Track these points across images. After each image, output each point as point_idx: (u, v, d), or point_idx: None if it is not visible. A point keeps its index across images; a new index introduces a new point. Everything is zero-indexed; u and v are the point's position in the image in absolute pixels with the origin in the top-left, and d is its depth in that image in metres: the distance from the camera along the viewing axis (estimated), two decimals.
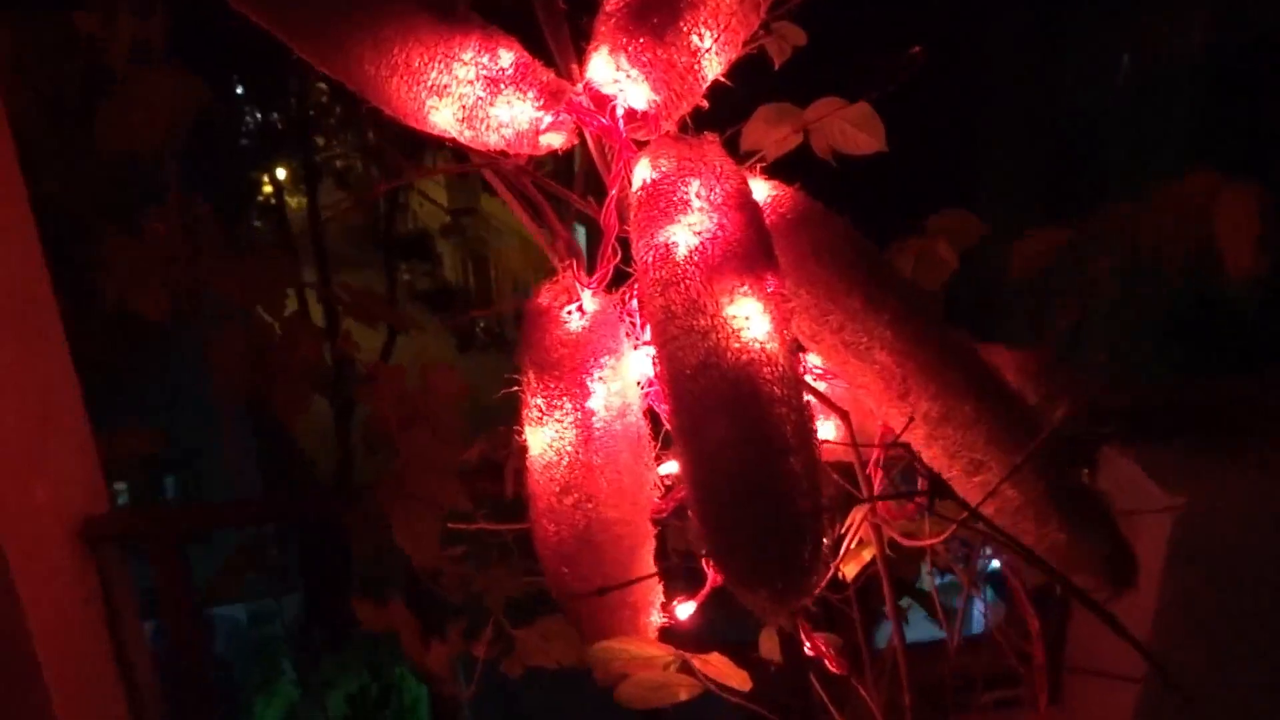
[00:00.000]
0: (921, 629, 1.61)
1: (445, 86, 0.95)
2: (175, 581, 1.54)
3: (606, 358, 0.97)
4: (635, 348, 1.00)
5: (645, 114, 1.00)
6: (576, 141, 1.01)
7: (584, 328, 0.97)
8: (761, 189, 0.99)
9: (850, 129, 1.11)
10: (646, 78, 0.97)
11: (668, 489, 1.02)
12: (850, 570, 1.11)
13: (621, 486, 0.97)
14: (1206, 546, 1.45)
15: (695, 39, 0.98)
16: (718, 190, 0.89)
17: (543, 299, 0.99)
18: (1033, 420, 0.93)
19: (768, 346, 0.82)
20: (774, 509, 0.78)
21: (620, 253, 0.98)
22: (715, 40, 1.00)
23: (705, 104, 1.03)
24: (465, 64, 0.95)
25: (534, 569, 1.09)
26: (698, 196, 0.88)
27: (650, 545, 1.01)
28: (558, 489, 0.97)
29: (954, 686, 1.35)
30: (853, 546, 1.09)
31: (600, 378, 0.96)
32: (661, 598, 1.05)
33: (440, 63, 0.95)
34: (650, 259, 0.87)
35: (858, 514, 1.07)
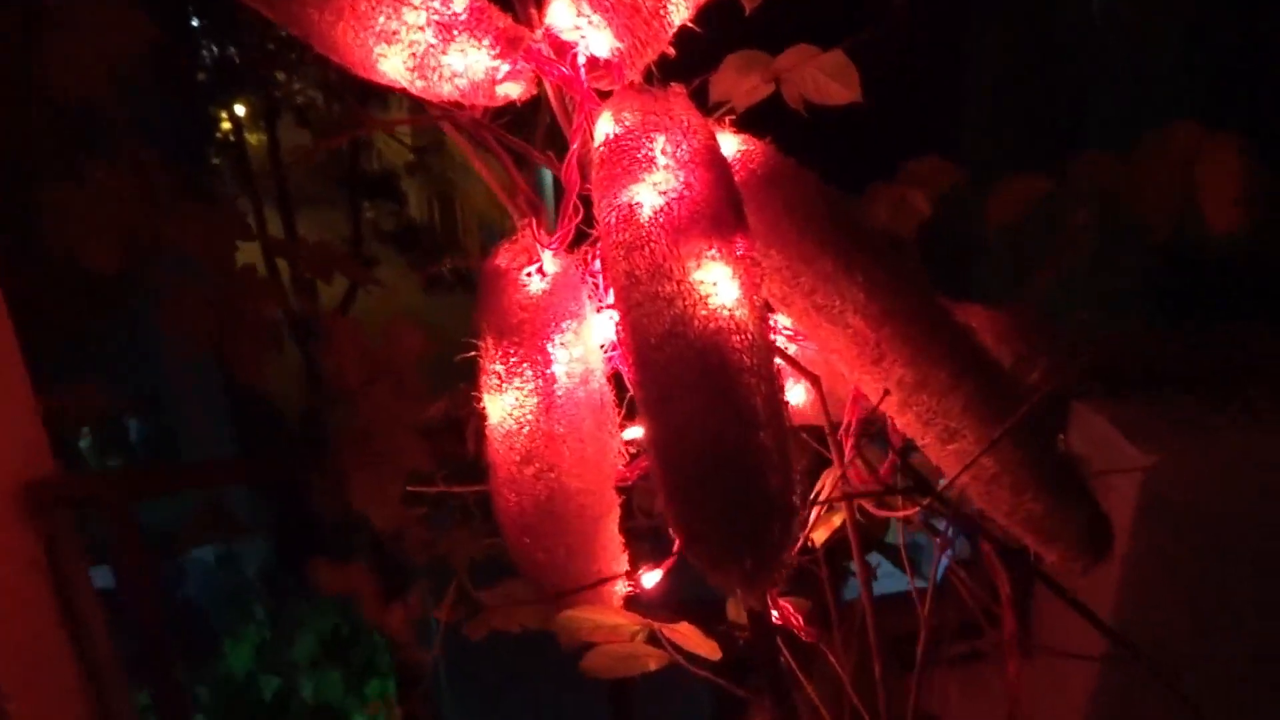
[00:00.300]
0: (888, 581, 1.60)
1: (394, 33, 0.89)
2: (128, 549, 1.50)
3: (568, 321, 0.93)
4: (598, 310, 0.95)
5: (608, 62, 0.94)
6: (536, 92, 0.96)
7: (544, 290, 0.92)
8: (730, 143, 0.94)
9: (823, 78, 1.06)
10: (609, 23, 0.92)
11: (633, 456, 0.98)
12: (820, 536, 1.08)
13: (585, 455, 0.94)
14: (1178, 504, 1.44)
15: None
16: (684, 146, 0.84)
17: (500, 260, 0.94)
18: (1010, 387, 0.90)
19: (737, 313, 0.78)
20: (744, 485, 0.74)
21: (582, 211, 0.94)
22: None
23: (672, 51, 0.97)
24: (415, 9, 0.89)
25: (496, 531, 1.05)
26: (663, 153, 0.83)
27: (615, 513, 0.98)
28: (518, 458, 0.93)
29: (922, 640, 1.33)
30: (823, 513, 1.06)
31: (562, 343, 0.92)
32: (627, 565, 1.02)
33: (388, 7, 0.89)
34: (613, 220, 0.82)
35: (828, 479, 1.04)
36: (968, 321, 1.16)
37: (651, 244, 0.80)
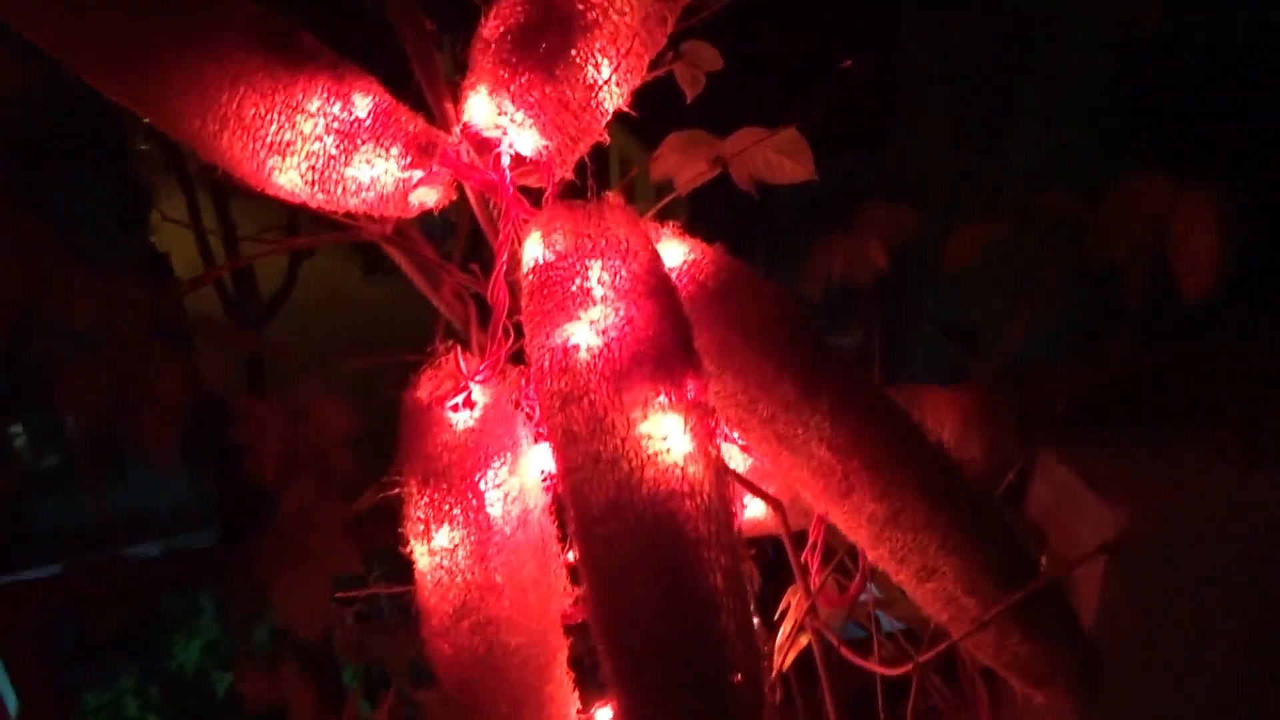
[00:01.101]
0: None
1: (288, 144, 0.78)
2: (29, 669, 1.38)
3: (502, 457, 0.83)
4: (536, 440, 0.85)
5: (536, 161, 0.84)
6: (454, 197, 0.85)
7: (473, 426, 0.82)
8: (676, 251, 0.84)
9: (776, 157, 0.96)
10: (535, 121, 0.82)
11: (580, 598, 0.89)
12: (787, 660, 1.00)
13: (526, 604, 0.84)
14: (1147, 557, 1.38)
15: (591, 71, 0.83)
16: (623, 273, 0.74)
17: (422, 391, 0.84)
18: (992, 517, 0.82)
19: (690, 471, 0.69)
20: (704, 680, 0.66)
21: (514, 335, 0.83)
22: (615, 69, 0.84)
23: (606, 139, 0.87)
24: (311, 115, 0.78)
25: None
26: (600, 283, 0.74)
27: (562, 655, 0.89)
28: (451, 610, 0.84)
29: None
30: (789, 635, 0.98)
31: (495, 482, 0.82)
32: (578, 705, 0.94)
33: (280, 115, 0.77)
34: (546, 364, 0.72)
35: (792, 599, 0.96)
36: (931, 404, 1.08)
37: (590, 394, 0.70)
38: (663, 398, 0.71)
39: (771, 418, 0.81)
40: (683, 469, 0.69)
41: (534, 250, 0.76)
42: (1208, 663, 1.44)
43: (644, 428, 0.70)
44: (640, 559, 0.67)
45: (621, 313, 0.73)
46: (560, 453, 0.71)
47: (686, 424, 0.71)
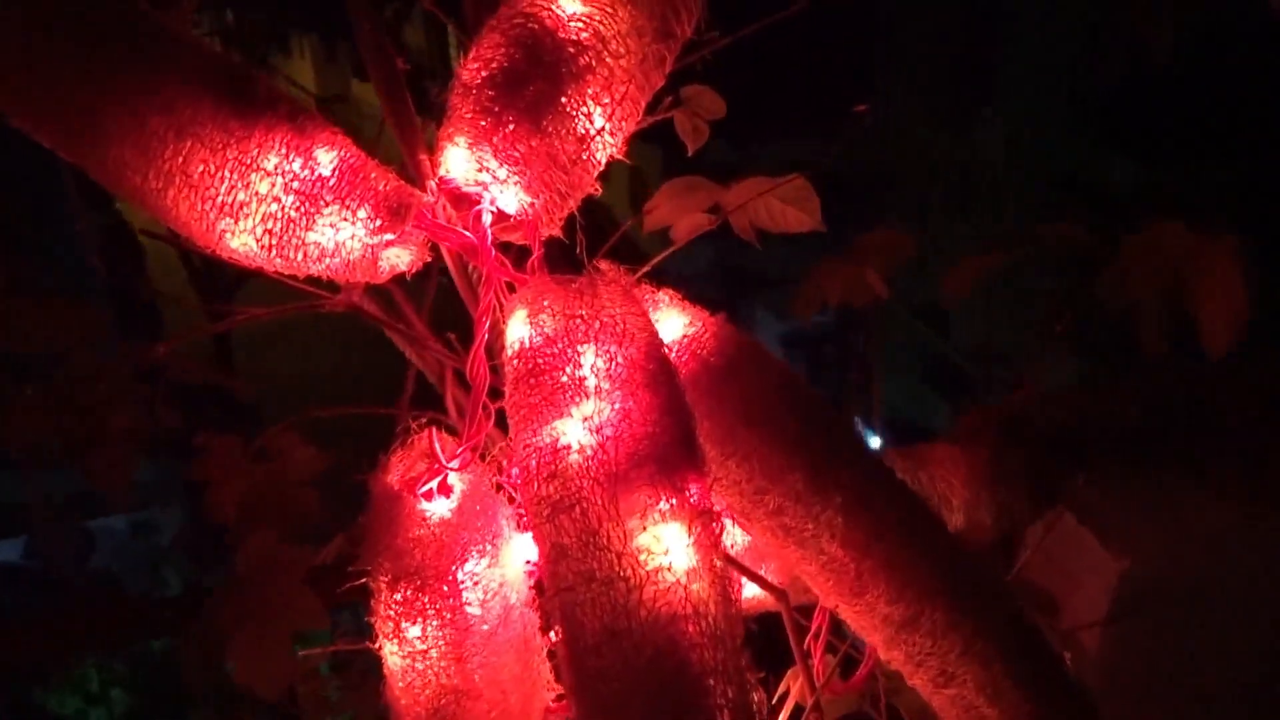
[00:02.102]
0: None
1: (242, 205, 0.69)
2: None
3: (481, 548, 0.75)
4: (520, 529, 0.78)
5: (520, 219, 0.76)
6: (429, 258, 0.77)
7: (449, 517, 0.74)
8: (675, 324, 0.76)
9: (780, 206, 0.88)
10: (520, 178, 0.73)
11: (561, 695, 0.82)
12: None
13: (508, 707, 0.77)
14: (1149, 604, 1.33)
15: (583, 120, 0.74)
16: (619, 360, 0.66)
17: (392, 475, 0.76)
18: (1016, 620, 0.76)
19: (694, 590, 0.62)
20: None
21: (494, 415, 0.76)
22: (609, 117, 0.76)
23: (598, 191, 0.79)
24: (268, 174, 0.69)
25: None
26: (593, 372, 0.66)
27: None
28: (425, 714, 0.76)
29: None
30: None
31: (474, 578, 0.74)
32: None
33: (233, 173, 0.69)
34: (533, 464, 0.65)
35: (793, 684, 0.89)
36: (940, 463, 1.02)
37: (583, 503, 0.63)
38: (663, 503, 0.63)
39: (779, 510, 0.74)
40: (685, 587, 0.62)
41: (519, 331, 0.68)
42: (1211, 710, 1.40)
43: (642, 539, 0.62)
44: (638, 695, 0.59)
45: (618, 406, 0.65)
46: (548, 566, 0.64)
47: (689, 533, 0.63)
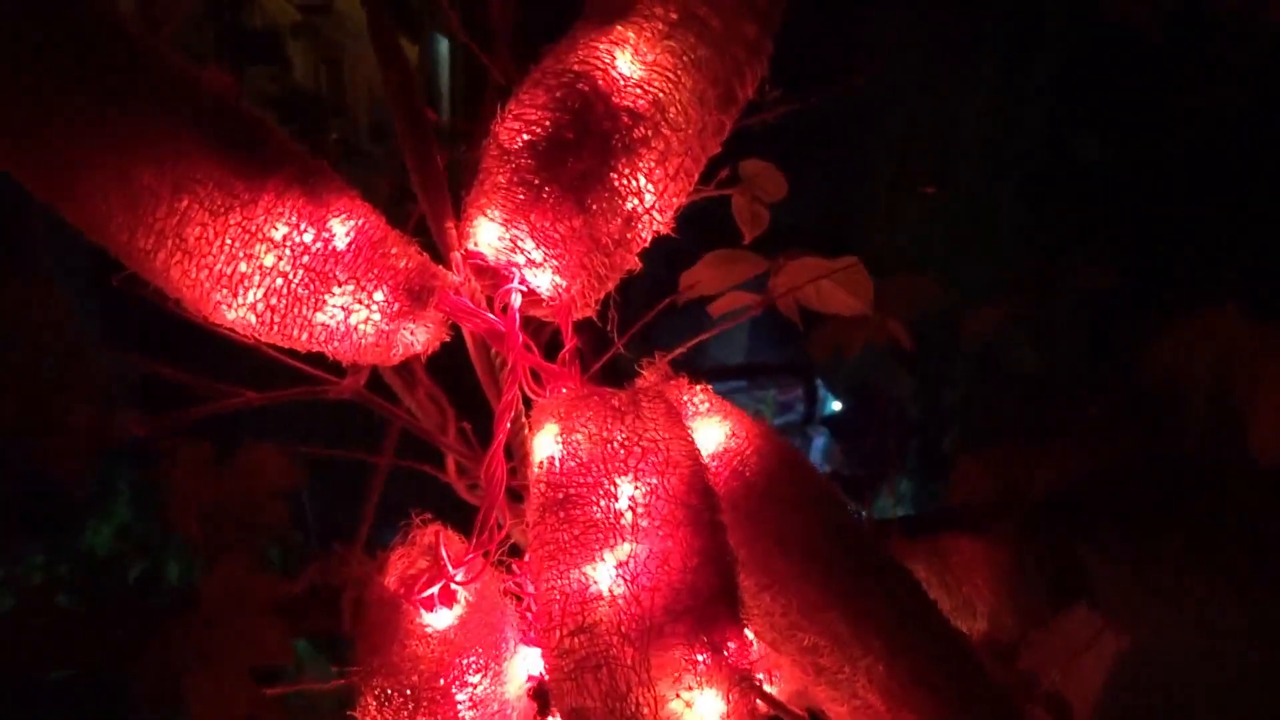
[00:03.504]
0: None
1: (243, 278, 0.61)
2: None
3: (483, 667, 0.68)
4: (527, 643, 0.71)
5: (551, 300, 0.68)
6: (448, 338, 0.68)
7: (451, 632, 0.67)
8: (713, 434, 0.69)
9: (830, 286, 0.81)
10: (558, 260, 0.65)
11: None
12: None
13: None
14: (1143, 687, 1.30)
15: (633, 200, 0.66)
16: (660, 494, 0.59)
17: (391, 576, 0.68)
18: None
19: None
20: None
21: (506, 522, 0.68)
22: (660, 194, 0.68)
23: (638, 267, 0.71)
24: (275, 246, 0.60)
25: None
26: (630, 508, 0.58)
27: None
28: None
29: None
30: None
31: (473, 700, 0.67)
32: None
33: (234, 242, 0.60)
34: (557, 611, 0.58)
35: None
36: (963, 557, 0.96)
37: (611, 663, 0.56)
38: (701, 662, 0.57)
39: (814, 649, 0.68)
40: None
41: (548, 448, 0.61)
42: None
43: (674, 706, 0.56)
44: None
45: (655, 549, 0.58)
46: None
47: (725, 701, 0.57)
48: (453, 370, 0.88)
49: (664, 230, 0.71)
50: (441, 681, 0.66)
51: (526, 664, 0.71)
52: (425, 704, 0.66)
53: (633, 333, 0.75)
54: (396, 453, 0.97)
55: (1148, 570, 1.34)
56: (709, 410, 0.70)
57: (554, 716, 0.74)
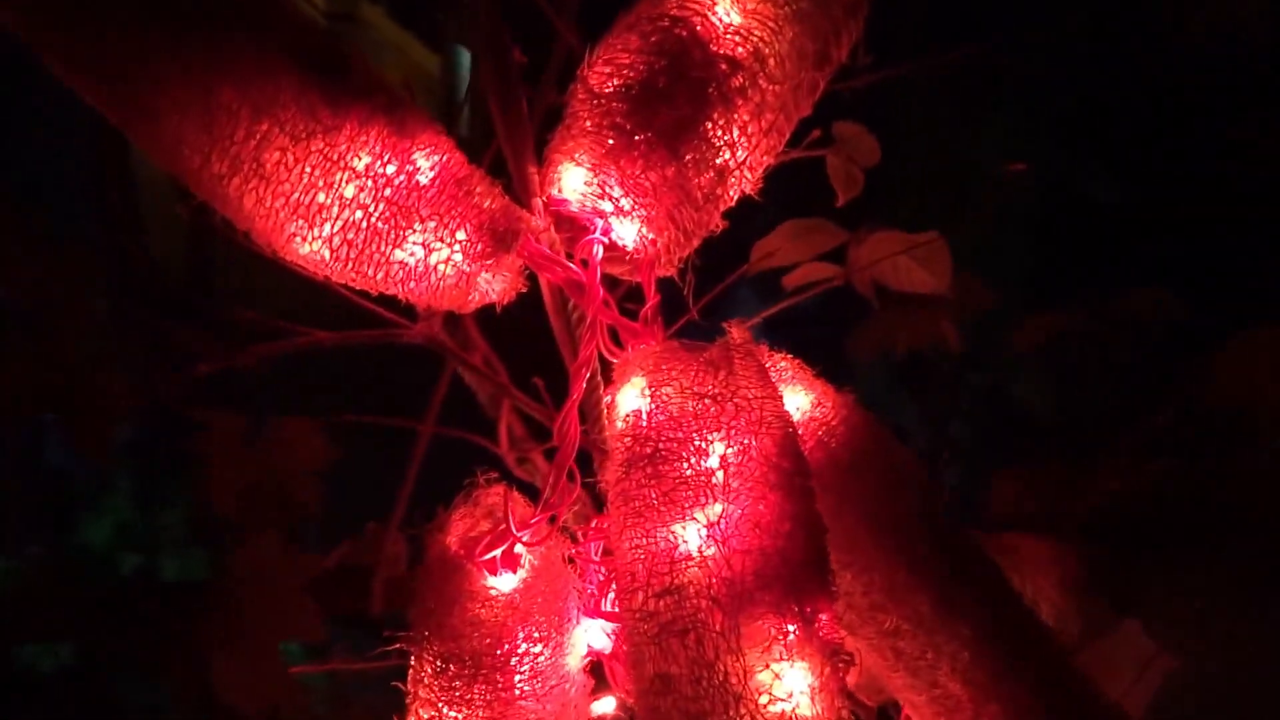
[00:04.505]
0: None
1: (321, 209, 0.58)
2: None
3: (544, 634, 0.64)
4: (589, 615, 0.67)
5: (634, 253, 0.65)
6: (525, 288, 0.65)
7: (514, 596, 0.64)
8: (800, 401, 0.66)
9: (907, 263, 0.78)
10: (646, 210, 0.62)
11: None
12: None
13: None
14: (1191, 707, 1.26)
15: (726, 153, 0.63)
16: (753, 454, 0.56)
17: (452, 536, 0.65)
18: None
19: None
20: None
21: (579, 478, 0.65)
22: (752, 150, 0.65)
23: (720, 228, 0.68)
24: (356, 175, 0.57)
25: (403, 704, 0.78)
26: (723, 467, 0.55)
27: None
28: None
29: None
30: None
31: (533, 671, 0.64)
32: None
33: (315, 170, 0.57)
34: (642, 571, 0.54)
35: None
36: (1029, 559, 0.93)
37: (699, 628, 0.52)
38: (792, 632, 0.53)
39: (895, 632, 0.64)
40: None
41: (634, 402, 0.58)
42: None
43: (763, 677, 0.52)
44: None
45: (747, 510, 0.55)
46: (646, 699, 0.53)
47: (816, 675, 0.53)
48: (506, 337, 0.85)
49: (750, 190, 0.68)
50: (503, 649, 0.62)
51: (587, 636, 0.67)
52: (485, 671, 0.62)
53: (709, 299, 0.72)
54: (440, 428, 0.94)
55: (1203, 595, 1.30)
56: (792, 378, 0.66)
57: (608, 696, 0.71)
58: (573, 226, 0.65)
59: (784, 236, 0.78)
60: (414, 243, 0.59)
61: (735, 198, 0.67)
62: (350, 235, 0.58)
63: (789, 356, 0.68)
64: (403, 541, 1.09)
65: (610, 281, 0.68)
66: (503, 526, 0.64)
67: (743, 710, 0.51)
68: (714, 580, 0.53)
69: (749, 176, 0.66)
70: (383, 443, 1.05)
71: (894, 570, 0.63)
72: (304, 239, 0.58)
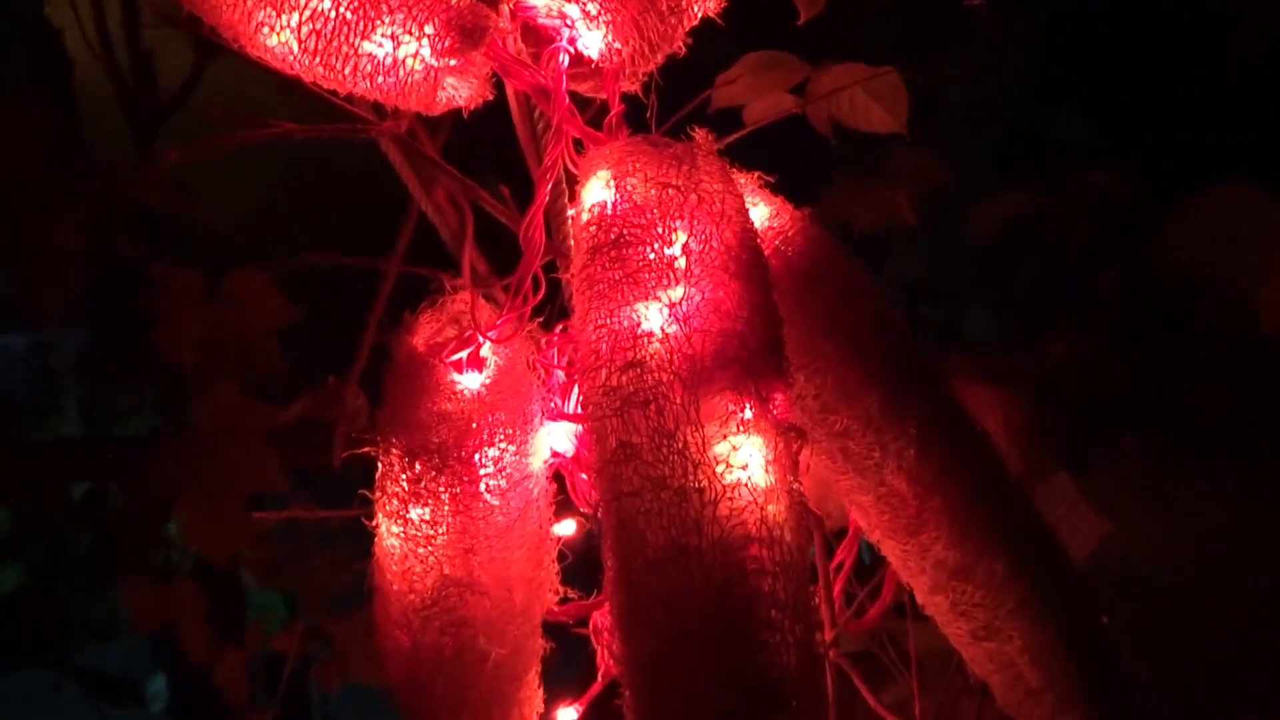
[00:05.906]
0: None
1: None
2: None
3: (509, 435, 0.67)
4: (551, 418, 0.69)
5: (599, 65, 0.66)
6: (491, 96, 0.66)
7: (480, 393, 0.66)
8: (760, 212, 0.68)
9: (865, 99, 0.79)
10: (612, 18, 0.63)
11: (565, 598, 0.74)
12: None
13: (511, 606, 0.69)
14: (1125, 573, 1.32)
15: None
16: (714, 244, 0.58)
17: (419, 336, 0.66)
18: (1073, 584, 0.71)
19: (769, 513, 0.55)
20: None
21: (544, 286, 0.67)
22: None
23: (683, 49, 0.69)
24: None
25: (365, 555, 0.81)
26: (685, 254, 0.57)
27: (536, 667, 0.75)
28: (420, 604, 0.68)
29: None
30: None
31: (497, 465, 0.66)
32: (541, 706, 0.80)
33: None
34: (604, 349, 0.56)
35: None
36: (976, 403, 0.96)
37: (661, 399, 0.55)
38: (747, 410, 0.56)
39: (845, 432, 0.67)
40: (762, 508, 0.55)
41: (600, 194, 0.59)
42: (1168, 677, 1.40)
43: (720, 449, 0.55)
44: (701, 623, 0.53)
45: (706, 293, 0.57)
46: (609, 467, 0.56)
47: (769, 449, 0.56)
48: None
49: (712, 11, 0.69)
50: (469, 444, 0.65)
51: (550, 439, 0.69)
52: (451, 464, 0.64)
53: (671, 124, 0.73)
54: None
55: (1142, 464, 1.36)
56: (752, 191, 0.68)
57: (568, 519, 0.73)
58: (539, 40, 0.66)
59: (746, 68, 0.80)
60: (382, 34, 0.59)
61: (699, 14, 0.68)
62: (318, 25, 0.59)
63: (746, 171, 0.70)
64: (363, 396, 1.11)
65: (579, 103, 0.69)
66: (470, 329, 0.65)
67: (700, 476, 0.54)
68: (675, 356, 0.55)
69: None
70: (344, 299, 1.06)
71: (846, 371, 0.66)
72: (272, 29, 0.59)
